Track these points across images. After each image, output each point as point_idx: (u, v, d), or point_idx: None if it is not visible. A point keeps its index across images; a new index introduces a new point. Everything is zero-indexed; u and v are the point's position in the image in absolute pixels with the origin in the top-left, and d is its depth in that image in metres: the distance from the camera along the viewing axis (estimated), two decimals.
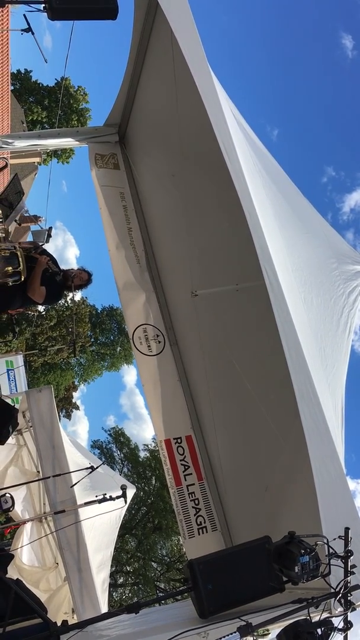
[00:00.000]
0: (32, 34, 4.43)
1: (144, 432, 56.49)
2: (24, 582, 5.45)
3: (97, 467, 6.56)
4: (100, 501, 6.02)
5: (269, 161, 5.73)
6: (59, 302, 6.60)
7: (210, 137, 3.59)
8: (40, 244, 6.26)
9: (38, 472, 7.34)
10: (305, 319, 4.98)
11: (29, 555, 7.73)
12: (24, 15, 4.29)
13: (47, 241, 6.51)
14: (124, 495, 6.19)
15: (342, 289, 6.08)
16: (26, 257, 5.55)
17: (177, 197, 5.61)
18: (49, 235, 6.63)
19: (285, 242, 5.12)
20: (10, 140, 5.83)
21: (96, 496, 6.13)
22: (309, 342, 4.75)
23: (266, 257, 3.48)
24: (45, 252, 5.89)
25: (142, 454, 32.95)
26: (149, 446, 32.02)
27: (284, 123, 76.50)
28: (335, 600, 2.66)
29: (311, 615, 2.54)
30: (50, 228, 6.79)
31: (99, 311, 41.33)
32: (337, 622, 2.62)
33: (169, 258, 6.09)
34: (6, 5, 4.01)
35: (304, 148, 76.04)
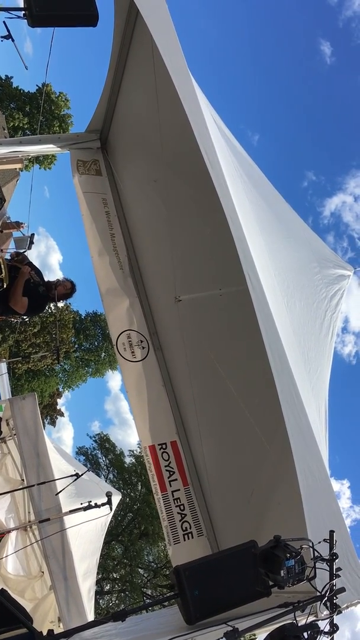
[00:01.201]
0: (12, 40, 4.40)
1: (129, 437, 56.33)
2: (9, 591, 5.39)
3: (82, 474, 6.54)
4: (85, 509, 6.00)
5: (250, 166, 5.77)
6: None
7: (191, 143, 3.61)
8: (23, 250, 6.24)
9: (22, 480, 7.29)
10: (289, 322, 5.01)
11: (14, 565, 7.65)
12: (4, 22, 4.27)
13: (29, 248, 6.50)
14: (109, 503, 6.17)
15: (324, 293, 6.13)
16: (9, 266, 5.53)
17: (160, 203, 5.62)
18: (32, 242, 6.61)
19: (268, 246, 5.15)
20: None
21: (81, 504, 6.10)
22: (293, 346, 4.78)
23: (248, 262, 3.49)
24: (30, 265, 5.86)
25: (128, 460, 32.90)
26: (135, 452, 31.98)
27: (265, 128, 77.18)
28: (321, 603, 2.67)
29: (297, 619, 2.55)
30: (33, 235, 6.78)
31: (82, 317, 41.22)
32: (323, 625, 2.63)
33: (152, 263, 6.08)
34: None
35: (285, 153, 76.82)
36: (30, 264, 5.86)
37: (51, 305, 6.34)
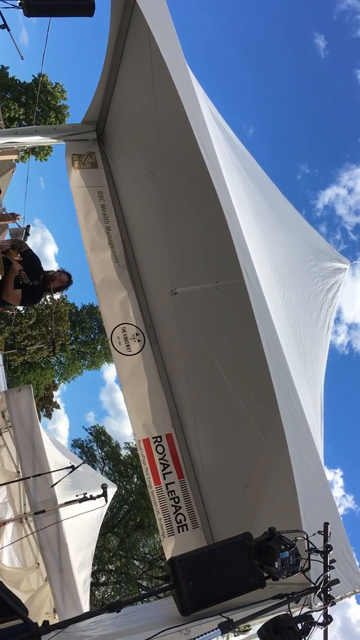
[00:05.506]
0: (8, 30, 4.37)
1: (124, 428, 56.38)
2: (4, 583, 5.41)
3: (77, 467, 6.54)
4: (80, 500, 6.01)
5: (247, 159, 5.75)
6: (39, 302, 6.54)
7: (188, 135, 3.59)
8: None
9: (18, 472, 7.30)
10: (285, 316, 5.01)
11: (10, 556, 7.67)
12: None
13: (25, 239, 6.46)
14: (104, 494, 6.18)
15: (320, 286, 6.13)
16: (4, 258, 5.50)
17: (156, 195, 5.59)
18: (27, 234, 6.57)
19: (264, 239, 5.14)
20: None
21: (77, 495, 6.11)
22: (289, 339, 4.78)
23: (245, 256, 3.49)
24: (28, 253, 5.82)
25: (124, 452, 32.95)
26: (130, 444, 32.01)
27: (260, 121, 76.95)
28: (315, 595, 2.68)
29: (292, 610, 2.56)
30: (28, 226, 6.74)
31: (78, 309, 41.15)
32: (317, 616, 2.64)
33: (149, 256, 6.07)
34: None
35: (279, 146, 76.67)
36: (28, 252, 5.80)
37: (47, 297, 6.31)
